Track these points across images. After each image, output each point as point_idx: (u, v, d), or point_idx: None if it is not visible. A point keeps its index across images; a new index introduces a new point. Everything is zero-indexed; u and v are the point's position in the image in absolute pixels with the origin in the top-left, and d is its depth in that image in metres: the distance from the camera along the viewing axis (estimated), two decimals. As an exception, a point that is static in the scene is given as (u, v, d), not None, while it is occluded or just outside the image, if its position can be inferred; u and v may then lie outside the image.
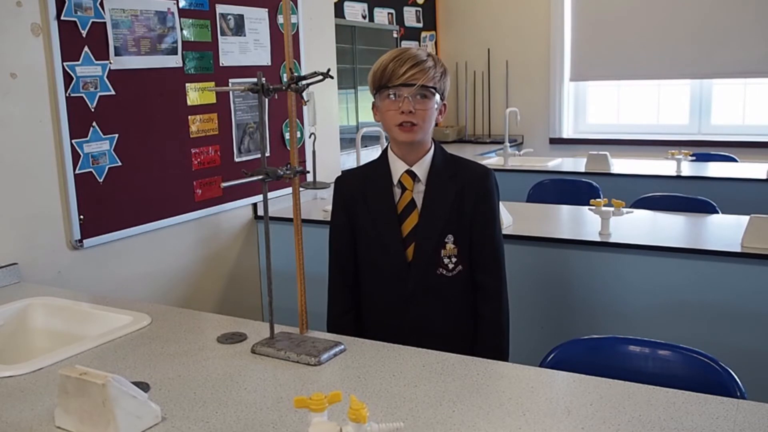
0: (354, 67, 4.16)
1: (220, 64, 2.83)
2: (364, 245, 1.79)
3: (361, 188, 1.79)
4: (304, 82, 1.44)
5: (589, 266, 2.56)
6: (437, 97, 1.71)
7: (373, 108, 1.77)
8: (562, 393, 1.29)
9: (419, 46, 5.59)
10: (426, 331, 1.71)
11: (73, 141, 2.28)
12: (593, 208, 2.57)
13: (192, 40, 2.70)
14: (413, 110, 1.67)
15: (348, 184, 1.84)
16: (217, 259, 2.94)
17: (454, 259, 1.74)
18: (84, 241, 2.33)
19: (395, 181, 1.76)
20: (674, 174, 3.93)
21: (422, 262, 1.73)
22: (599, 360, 1.56)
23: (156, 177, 2.58)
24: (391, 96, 1.68)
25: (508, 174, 4.32)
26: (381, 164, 1.79)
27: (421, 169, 1.75)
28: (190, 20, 2.69)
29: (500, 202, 2.70)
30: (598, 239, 2.54)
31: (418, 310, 1.75)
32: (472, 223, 1.75)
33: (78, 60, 2.28)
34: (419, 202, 1.74)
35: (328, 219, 1.88)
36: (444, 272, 1.74)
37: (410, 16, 5.48)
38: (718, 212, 3.02)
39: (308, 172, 1.56)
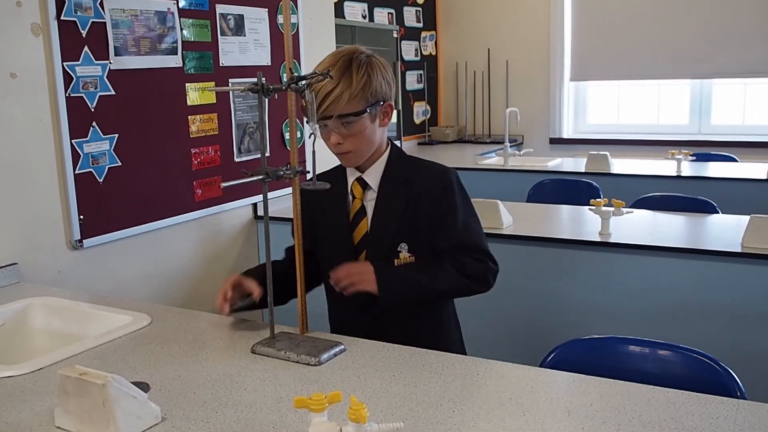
0: (354, 67, 4.16)
1: (220, 64, 2.83)
2: (321, 250, 1.76)
3: (320, 195, 1.67)
4: (304, 82, 1.44)
5: (589, 266, 2.56)
6: (366, 113, 1.60)
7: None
8: (562, 393, 1.29)
9: (420, 44, 5.59)
10: (389, 335, 1.59)
11: (73, 141, 2.28)
12: (593, 208, 2.57)
13: (192, 40, 2.70)
14: (341, 141, 1.62)
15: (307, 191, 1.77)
16: (217, 259, 2.94)
17: None
18: (84, 241, 2.33)
19: (349, 189, 1.71)
20: (674, 174, 3.93)
21: None
22: (599, 360, 1.56)
23: (156, 177, 2.58)
24: (323, 128, 1.62)
25: (508, 174, 4.32)
26: (340, 170, 1.74)
27: (373, 176, 1.69)
28: (190, 20, 2.69)
29: (497, 202, 2.65)
30: (598, 239, 2.54)
31: (376, 316, 1.67)
32: (431, 229, 1.66)
33: (78, 60, 2.28)
34: (370, 211, 1.68)
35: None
36: None
37: (410, 16, 5.48)
38: (718, 212, 3.02)
39: (308, 172, 1.56)
